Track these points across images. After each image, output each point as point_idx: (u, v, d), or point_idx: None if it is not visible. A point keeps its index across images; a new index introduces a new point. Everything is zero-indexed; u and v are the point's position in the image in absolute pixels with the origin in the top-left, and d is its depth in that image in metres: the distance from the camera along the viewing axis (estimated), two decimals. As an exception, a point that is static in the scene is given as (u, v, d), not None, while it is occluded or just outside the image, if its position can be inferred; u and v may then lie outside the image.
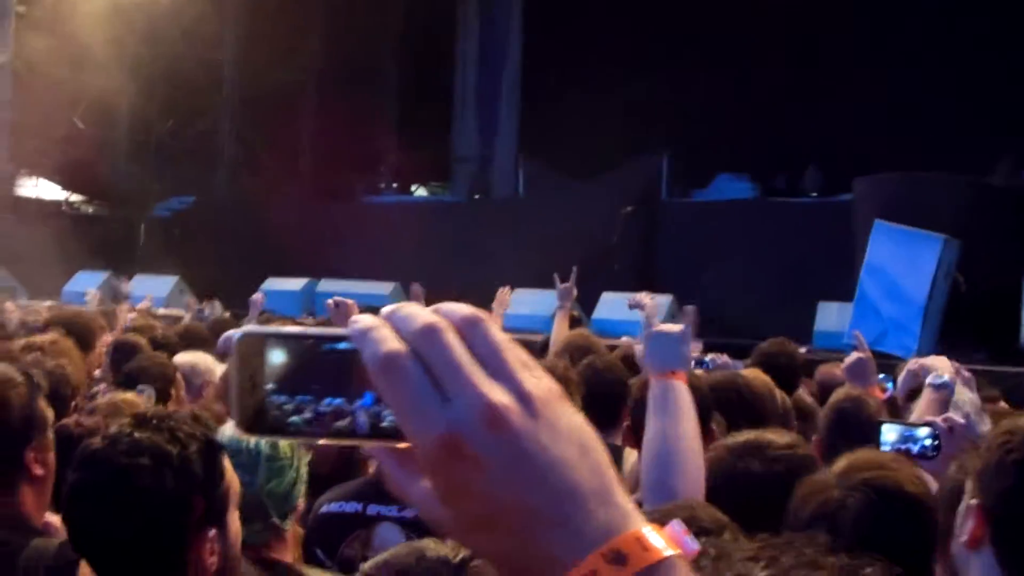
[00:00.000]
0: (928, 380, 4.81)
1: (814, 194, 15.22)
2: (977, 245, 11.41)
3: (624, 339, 7.84)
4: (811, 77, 16.03)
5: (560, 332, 7.25)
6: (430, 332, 0.97)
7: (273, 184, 18.27)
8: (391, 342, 0.97)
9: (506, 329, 4.68)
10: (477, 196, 17.75)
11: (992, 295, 11.46)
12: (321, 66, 19.04)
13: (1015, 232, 11.98)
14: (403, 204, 18.28)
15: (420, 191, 19.46)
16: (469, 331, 0.98)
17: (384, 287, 14.80)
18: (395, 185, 19.20)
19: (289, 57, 18.53)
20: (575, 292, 7.87)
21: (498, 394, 0.96)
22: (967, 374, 5.27)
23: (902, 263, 11.24)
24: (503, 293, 8.54)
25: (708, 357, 7.14)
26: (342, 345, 1.00)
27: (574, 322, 11.84)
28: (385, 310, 1.00)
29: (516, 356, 0.98)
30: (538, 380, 0.98)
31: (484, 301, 11.66)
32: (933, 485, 3.33)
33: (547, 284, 13.94)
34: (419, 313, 0.98)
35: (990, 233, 11.78)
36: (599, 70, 17.27)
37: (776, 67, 16.14)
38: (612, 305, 12.85)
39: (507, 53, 18.39)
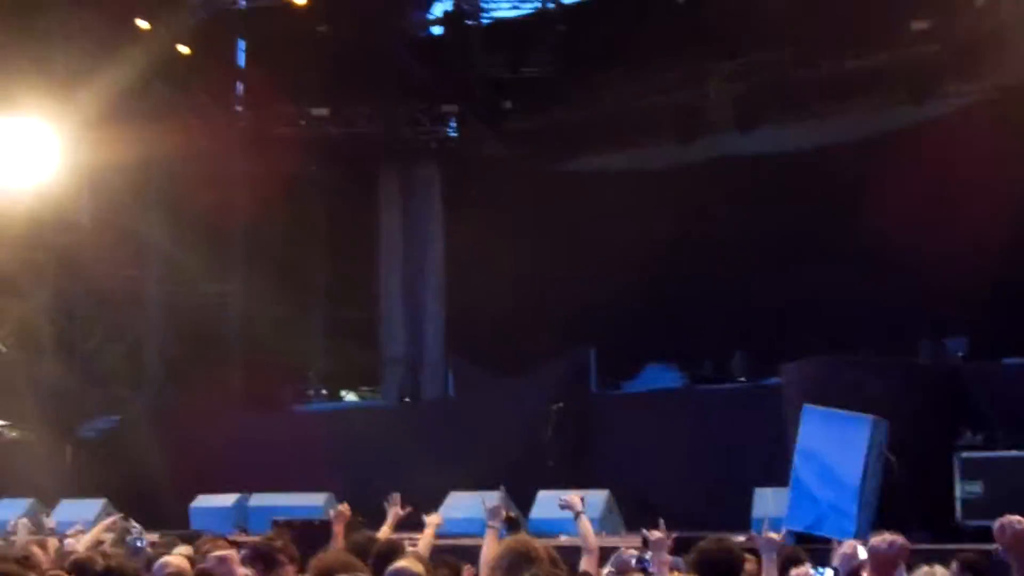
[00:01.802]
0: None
1: (742, 379, 15.36)
2: (907, 424, 11.52)
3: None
4: (733, 265, 16.35)
5: (489, 551, 7.12)
6: None
7: (200, 398, 18.07)
8: None
9: (443, 535, 4.63)
10: (407, 399, 17.70)
11: (926, 473, 11.53)
12: (245, 275, 19.11)
13: (942, 409, 12.13)
14: (333, 411, 18.17)
15: (350, 396, 19.37)
16: None
17: (318, 498, 14.56)
18: (324, 392, 19.10)
19: (215, 269, 18.59)
20: (504, 513, 7.78)
21: None
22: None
23: (833, 446, 11.29)
24: (432, 519, 8.44)
25: (648, 554, 7.05)
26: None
27: (512, 523, 11.73)
28: None
29: None
30: None
31: (418, 503, 11.57)
32: None
33: (482, 485, 13.89)
34: None
35: (918, 411, 11.92)
36: (521, 267, 17.50)
37: (697, 256, 16.45)
38: (548, 503, 12.71)
39: (430, 255, 18.60)
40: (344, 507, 9.12)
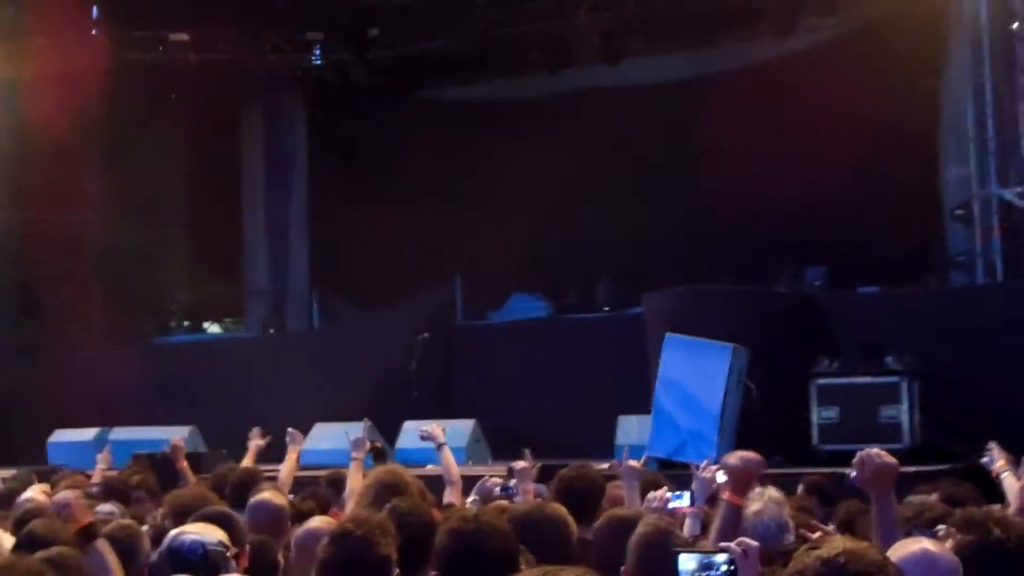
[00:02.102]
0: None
1: (606, 309, 15.50)
2: (765, 352, 11.77)
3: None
4: (597, 193, 16.45)
5: (354, 482, 7.09)
6: None
7: (57, 331, 17.64)
8: None
9: (307, 465, 4.60)
10: (272, 330, 17.51)
11: (784, 399, 11.82)
12: (105, 204, 18.63)
13: (800, 337, 12.43)
14: (196, 343, 17.88)
15: (213, 328, 19.08)
16: None
17: (180, 431, 14.33)
18: (187, 323, 18.78)
19: (71, 197, 18.08)
20: (368, 444, 7.76)
21: None
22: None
23: (695, 374, 11.50)
24: (295, 435, 8.43)
25: (512, 482, 7.09)
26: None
27: (378, 453, 11.74)
28: None
29: None
30: None
31: (282, 438, 11.51)
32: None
33: (348, 417, 13.85)
34: None
35: (777, 339, 12.19)
36: (387, 199, 17.36)
37: (562, 186, 16.49)
38: (414, 434, 12.71)
39: (294, 186, 18.36)
40: (177, 441, 9.04)
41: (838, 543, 2.77)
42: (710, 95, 15.69)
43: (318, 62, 18.88)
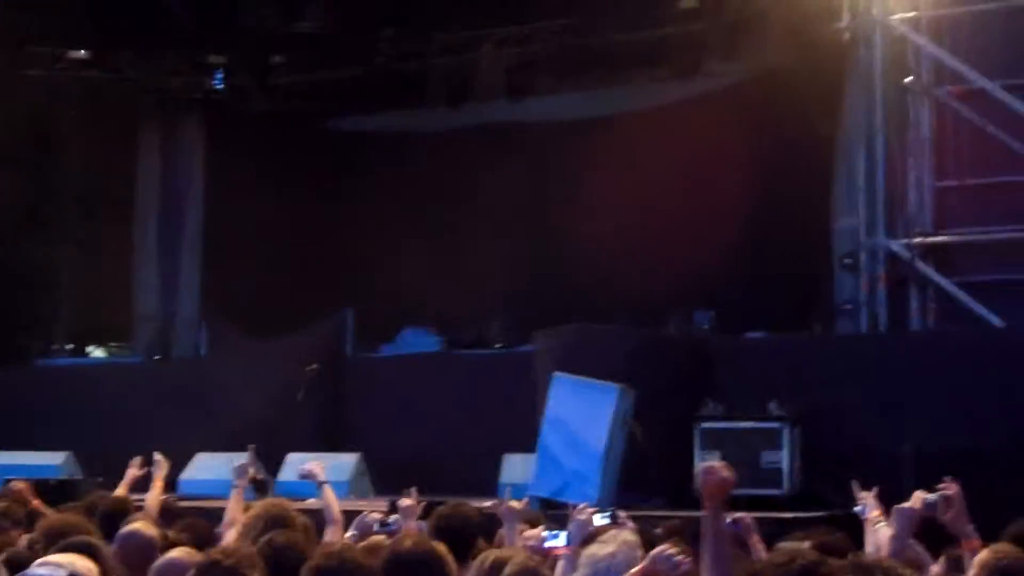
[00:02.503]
0: None
1: (498, 346, 15.48)
2: (652, 394, 11.82)
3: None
4: (492, 229, 16.46)
5: (235, 512, 6.95)
6: None
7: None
8: None
9: (188, 496, 4.47)
10: (157, 357, 17.20)
11: (668, 442, 11.86)
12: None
13: (687, 380, 12.50)
14: (78, 366, 17.50)
15: (98, 352, 18.69)
16: None
17: (56, 457, 14.03)
18: (70, 346, 18.38)
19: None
20: (252, 471, 7.63)
21: None
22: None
23: (580, 414, 11.51)
24: (159, 461, 8.28)
25: (392, 519, 7.02)
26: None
27: (260, 485, 11.54)
28: None
29: None
30: None
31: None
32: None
33: (231, 447, 13.62)
34: None
35: (664, 381, 12.25)
36: (281, 228, 17.18)
37: (458, 221, 16.48)
38: (297, 466, 12.55)
39: (188, 211, 18.08)
40: (19, 484, 8.77)
41: None
42: (611, 135, 15.82)
43: (219, 86, 18.67)
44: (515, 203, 16.57)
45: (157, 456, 8.44)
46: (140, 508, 8.02)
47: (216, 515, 8.73)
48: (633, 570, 4.56)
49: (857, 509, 6.88)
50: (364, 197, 17.12)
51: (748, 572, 4.70)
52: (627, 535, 5.07)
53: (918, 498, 5.70)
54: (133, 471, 8.74)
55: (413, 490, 7.52)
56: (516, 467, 12.51)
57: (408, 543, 4.67)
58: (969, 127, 13.37)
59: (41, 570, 3.86)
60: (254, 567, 4.44)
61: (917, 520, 5.58)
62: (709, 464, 4.53)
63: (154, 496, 8.16)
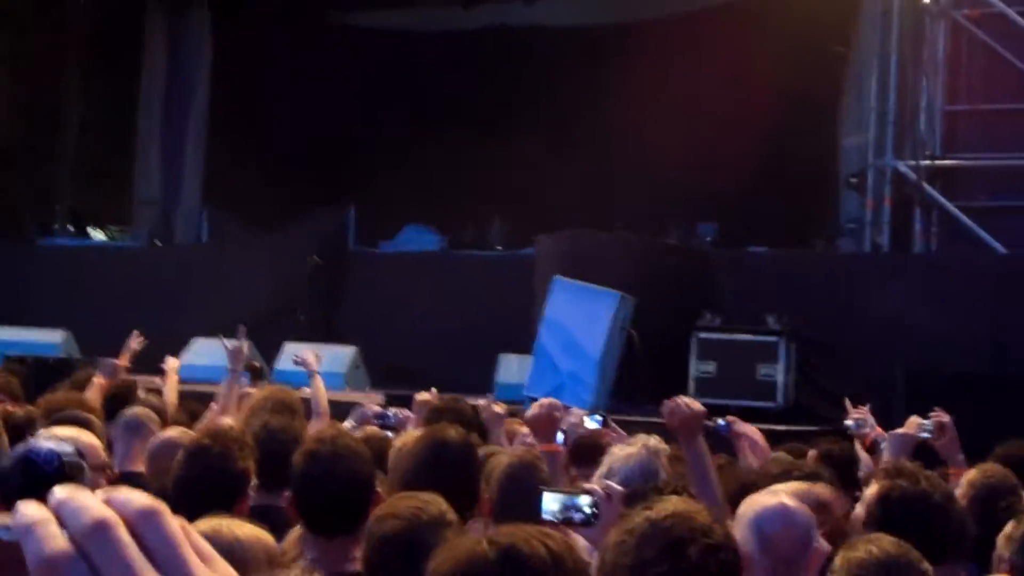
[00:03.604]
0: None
1: (499, 247, 15.48)
2: (651, 301, 11.86)
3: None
4: (502, 130, 16.38)
5: (228, 397, 6.99)
6: (98, 529, 0.90)
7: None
8: (56, 540, 0.89)
9: (183, 380, 4.47)
10: (158, 242, 17.19)
11: (665, 350, 11.92)
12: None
13: (687, 289, 12.54)
14: (79, 247, 17.49)
15: (98, 235, 18.67)
16: (143, 525, 0.92)
17: (54, 335, 14.07)
18: (71, 227, 18.36)
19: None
20: (246, 355, 7.64)
21: None
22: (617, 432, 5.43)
23: (579, 318, 11.55)
24: (171, 363, 8.21)
25: (391, 411, 7.09)
26: (4, 535, 0.92)
27: (256, 372, 11.61)
28: (55, 499, 0.92)
29: (194, 550, 0.93)
30: (216, 574, 0.94)
31: (163, 351, 11.29)
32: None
33: (229, 334, 13.66)
34: (90, 506, 0.91)
35: (663, 291, 12.28)
36: (285, 119, 17.11)
37: (467, 119, 16.40)
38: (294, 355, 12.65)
39: (193, 98, 17.94)
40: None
41: (669, 504, 2.70)
42: (622, 43, 15.68)
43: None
44: (523, 107, 16.48)
45: (169, 359, 8.37)
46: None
47: (208, 399, 8.82)
48: None
49: (848, 423, 6.94)
50: (371, 93, 17.01)
51: (741, 482, 4.75)
52: (654, 440, 5.11)
53: (913, 423, 5.76)
54: (132, 344, 8.67)
55: (433, 390, 7.55)
56: (512, 367, 12.59)
57: (451, 432, 4.68)
58: (984, 51, 13.27)
59: (47, 443, 3.88)
60: (244, 447, 4.47)
61: (912, 445, 5.64)
62: (674, 399, 4.57)
63: (171, 385, 8.11)
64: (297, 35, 17.51)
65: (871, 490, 3.95)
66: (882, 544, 3.24)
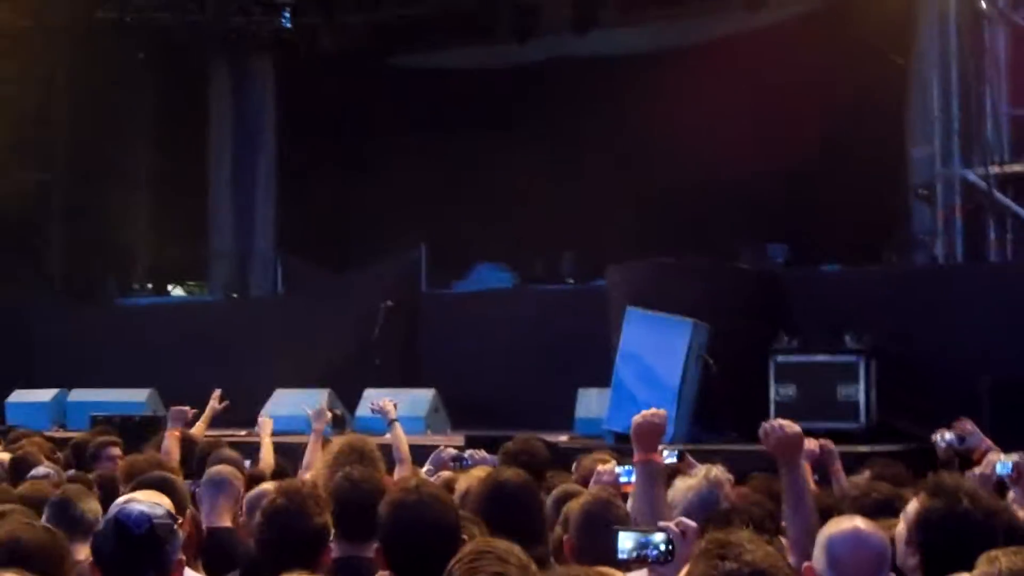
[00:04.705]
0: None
1: (571, 280, 15.50)
2: (725, 327, 11.79)
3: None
4: (567, 163, 16.46)
5: (313, 453, 7.10)
6: None
7: (19, 291, 17.52)
8: None
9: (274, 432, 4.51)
10: (235, 294, 17.43)
11: (742, 375, 11.84)
12: (68, 162, 18.49)
13: (761, 313, 12.44)
14: (158, 305, 17.79)
15: (176, 291, 18.99)
16: None
17: (140, 394, 14.32)
18: (149, 285, 18.68)
19: (36, 154, 17.96)
20: (328, 413, 7.78)
21: None
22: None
23: (654, 348, 11.51)
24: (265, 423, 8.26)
25: (466, 454, 7.12)
26: None
27: (338, 421, 11.73)
28: None
29: None
30: None
31: (244, 403, 11.44)
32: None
33: (309, 383, 13.84)
34: None
35: (737, 315, 12.20)
36: (352, 163, 17.31)
37: (531, 154, 16.48)
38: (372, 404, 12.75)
39: (261, 148, 18.24)
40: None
41: (748, 555, 2.66)
42: (679, 68, 15.67)
43: (287, 25, 18.75)
44: (584, 137, 16.54)
45: (261, 419, 8.47)
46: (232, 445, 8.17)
47: (294, 451, 8.91)
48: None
49: (936, 439, 6.79)
50: (432, 133, 17.14)
51: (823, 507, 4.73)
52: (715, 471, 5.10)
53: (990, 462, 5.64)
54: (213, 404, 8.84)
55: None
56: (591, 402, 12.58)
57: (509, 473, 4.74)
58: (1047, 53, 13.12)
59: (139, 505, 3.95)
60: (319, 502, 4.52)
61: (991, 485, 5.50)
62: (771, 422, 4.53)
63: (267, 446, 8.15)
64: (359, 78, 17.74)
65: (911, 507, 3.91)
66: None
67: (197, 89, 18.73)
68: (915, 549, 3.66)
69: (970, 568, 3.38)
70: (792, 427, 4.49)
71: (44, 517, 4.98)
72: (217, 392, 8.87)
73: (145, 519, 3.82)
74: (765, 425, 4.52)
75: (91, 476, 6.81)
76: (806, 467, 4.72)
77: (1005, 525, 4.00)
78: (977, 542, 3.71)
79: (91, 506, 5.14)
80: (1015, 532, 4.04)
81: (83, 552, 4.46)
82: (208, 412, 8.65)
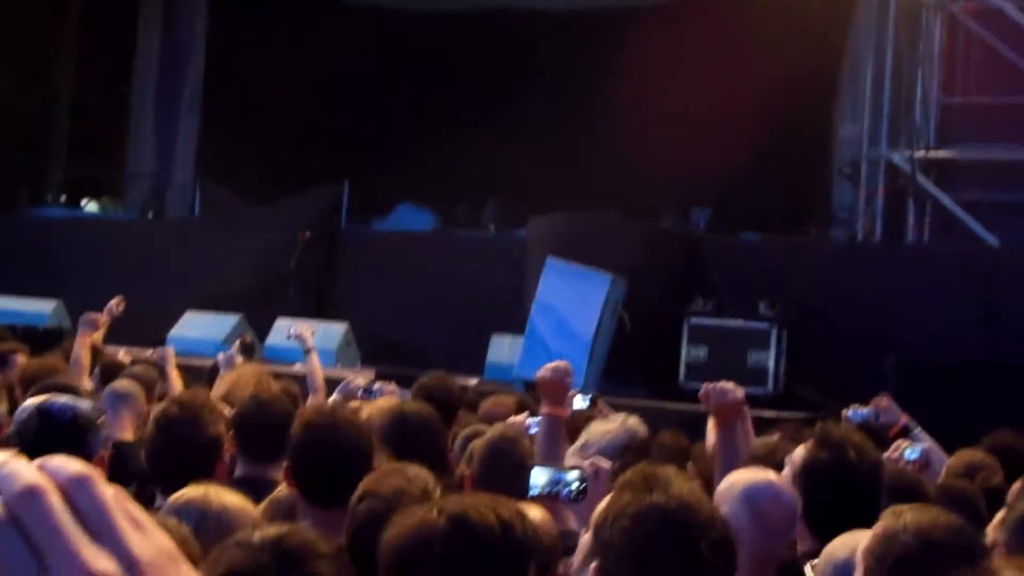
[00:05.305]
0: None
1: (492, 228, 15.47)
2: (643, 285, 11.87)
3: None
4: (498, 113, 16.38)
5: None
6: (29, 495, 0.90)
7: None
8: None
9: (178, 353, 4.45)
10: (151, 214, 17.15)
11: (656, 334, 11.94)
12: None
13: (680, 274, 12.55)
14: (71, 219, 17.44)
15: (91, 206, 18.63)
16: (76, 491, 0.91)
17: (46, 305, 14.05)
18: (63, 199, 18.31)
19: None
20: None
21: (101, 561, 0.89)
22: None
23: (571, 300, 11.55)
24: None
25: (376, 385, 7.10)
26: None
27: (247, 348, 11.60)
28: None
29: (126, 515, 0.92)
30: (149, 541, 0.92)
31: (152, 321, 11.27)
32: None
33: (221, 307, 13.68)
34: (20, 472, 0.90)
35: (656, 275, 12.29)
36: (281, 94, 17.06)
37: (464, 101, 16.37)
38: (286, 331, 12.64)
39: (187, 72, 17.87)
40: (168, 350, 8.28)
41: (675, 488, 2.62)
42: (615, 29, 15.64)
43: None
44: (521, 90, 16.46)
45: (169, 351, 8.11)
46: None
47: (200, 373, 8.78)
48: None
49: (850, 413, 6.82)
50: (368, 72, 16.95)
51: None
52: (632, 419, 5.12)
53: (899, 448, 5.72)
54: (112, 308, 8.48)
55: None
56: (503, 348, 12.59)
57: (415, 405, 4.72)
58: (980, 45, 13.29)
59: (62, 397, 3.87)
60: (213, 412, 4.47)
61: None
62: (713, 384, 4.53)
63: (177, 381, 7.91)
64: (294, 11, 17.46)
65: (797, 453, 3.95)
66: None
67: (127, 7, 18.30)
68: (798, 495, 3.68)
69: (852, 519, 3.41)
70: (736, 392, 4.51)
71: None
72: (118, 298, 8.58)
73: (68, 408, 3.78)
74: (707, 386, 4.53)
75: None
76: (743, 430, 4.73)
77: (893, 481, 4.05)
78: (861, 494, 3.76)
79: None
80: (904, 490, 4.10)
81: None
82: (106, 316, 8.29)
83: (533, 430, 6.10)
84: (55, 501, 0.89)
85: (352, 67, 17.04)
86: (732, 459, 4.37)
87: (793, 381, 11.73)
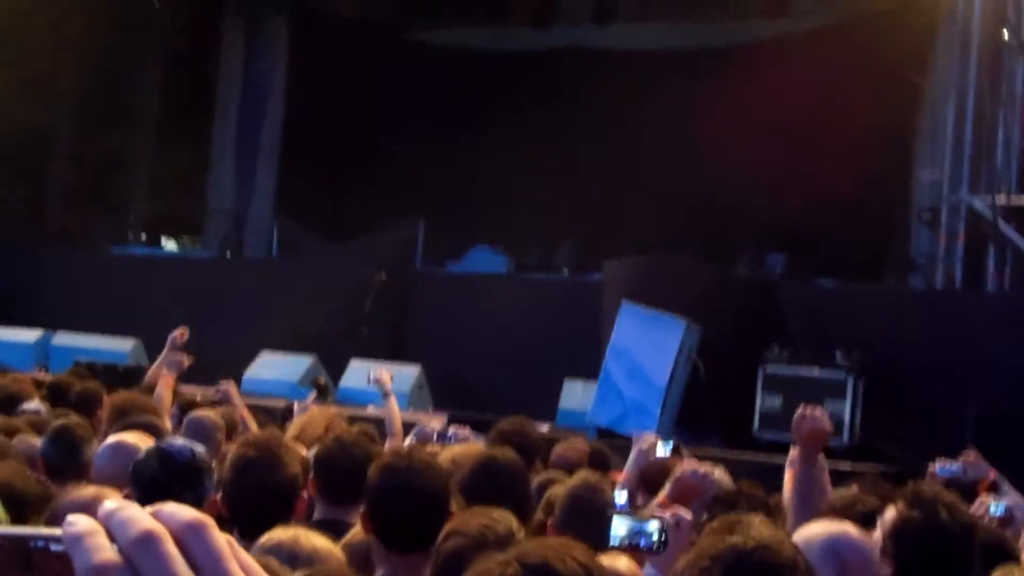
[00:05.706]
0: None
1: (565, 271, 15.46)
2: (718, 332, 11.77)
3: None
4: (572, 153, 16.41)
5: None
6: (147, 541, 0.92)
7: (13, 229, 17.41)
8: (104, 552, 0.90)
9: (249, 393, 4.52)
10: (229, 253, 17.35)
11: (730, 382, 11.82)
12: (72, 104, 18.37)
13: (754, 321, 12.43)
14: (151, 257, 17.70)
15: (170, 244, 18.90)
16: (189, 538, 0.93)
17: (125, 343, 14.23)
18: (144, 236, 18.59)
19: (40, 96, 17.82)
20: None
21: None
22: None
23: (645, 345, 11.49)
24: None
25: (450, 431, 7.09)
26: (55, 547, 0.92)
27: (321, 390, 11.68)
28: (104, 511, 0.93)
29: (239, 564, 0.94)
30: None
31: (228, 360, 11.36)
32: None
33: (295, 348, 13.78)
34: (138, 519, 0.92)
35: (730, 321, 12.18)
36: (358, 133, 17.23)
37: (537, 140, 16.43)
38: (360, 373, 12.68)
39: (268, 110, 18.12)
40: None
41: (755, 531, 2.59)
42: (694, 69, 15.64)
43: (304, -12, 18.65)
44: (593, 129, 16.49)
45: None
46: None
47: (274, 413, 8.84)
48: (661, 493, 4.54)
49: (938, 469, 6.67)
50: (443, 111, 17.09)
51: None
52: (717, 472, 5.06)
53: (983, 505, 5.61)
54: (178, 339, 8.58)
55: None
56: (576, 393, 12.53)
57: (501, 452, 4.71)
58: (1064, 88, 13.09)
59: (178, 439, 3.91)
60: (290, 452, 4.47)
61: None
62: (813, 410, 4.48)
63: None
64: (373, 50, 17.65)
65: (888, 515, 3.87)
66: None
67: (209, 43, 18.61)
68: (889, 560, 3.61)
69: None
70: (825, 419, 4.47)
71: (40, 448, 4.98)
72: (182, 328, 8.66)
73: (187, 450, 3.83)
74: (803, 410, 4.49)
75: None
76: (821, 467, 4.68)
77: (983, 541, 3.96)
78: (953, 556, 3.68)
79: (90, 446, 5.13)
80: (994, 548, 4.01)
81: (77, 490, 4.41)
82: (169, 347, 8.38)
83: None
84: (170, 548, 0.92)
85: (427, 106, 17.19)
86: (809, 497, 4.31)
87: (869, 432, 11.54)
